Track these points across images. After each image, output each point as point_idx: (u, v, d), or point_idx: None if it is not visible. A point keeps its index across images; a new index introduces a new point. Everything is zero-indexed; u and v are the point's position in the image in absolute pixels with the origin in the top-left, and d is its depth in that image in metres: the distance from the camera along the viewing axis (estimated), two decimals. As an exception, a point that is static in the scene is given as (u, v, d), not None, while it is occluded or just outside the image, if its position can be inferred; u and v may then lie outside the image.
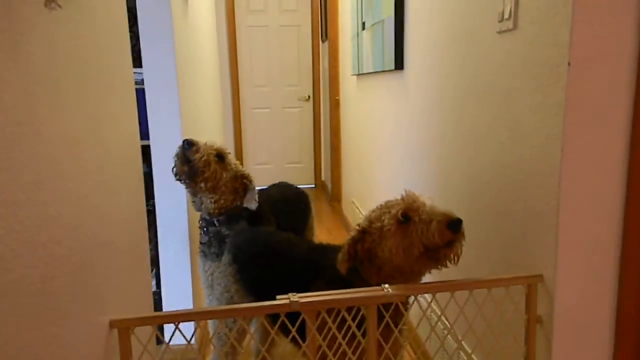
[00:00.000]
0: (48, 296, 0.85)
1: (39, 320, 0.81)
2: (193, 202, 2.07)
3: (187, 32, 2.47)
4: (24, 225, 0.77)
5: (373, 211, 1.36)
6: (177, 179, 1.97)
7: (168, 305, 2.26)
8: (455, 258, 1.27)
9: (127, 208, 1.31)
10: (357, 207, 3.92)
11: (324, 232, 4.27)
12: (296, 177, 5.92)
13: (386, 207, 1.32)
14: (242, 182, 2.04)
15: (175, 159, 1.93)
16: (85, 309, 1.01)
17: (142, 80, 2.14)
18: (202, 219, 2.06)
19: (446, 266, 1.28)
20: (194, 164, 1.90)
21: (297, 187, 2.56)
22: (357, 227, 1.37)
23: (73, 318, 0.95)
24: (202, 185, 1.93)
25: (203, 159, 1.90)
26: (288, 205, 2.39)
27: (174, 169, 1.94)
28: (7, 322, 0.72)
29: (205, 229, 2.04)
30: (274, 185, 2.55)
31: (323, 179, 6.08)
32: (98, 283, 1.08)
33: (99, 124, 1.12)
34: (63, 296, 0.91)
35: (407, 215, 1.27)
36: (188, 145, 1.89)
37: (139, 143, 1.43)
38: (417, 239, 1.23)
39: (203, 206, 2.02)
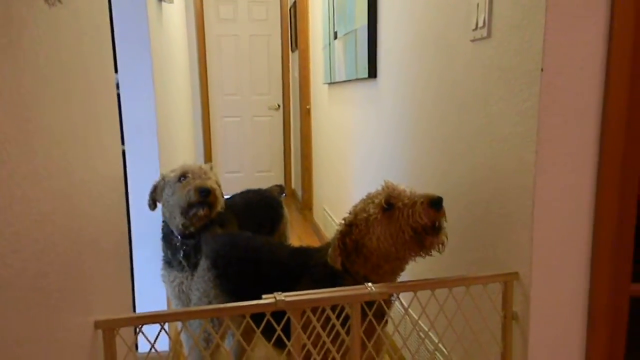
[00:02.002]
0: (39, 293, 0.84)
1: (30, 317, 0.81)
2: (167, 221, 2.04)
3: (161, 39, 2.47)
4: (20, 220, 0.77)
5: (356, 205, 1.40)
6: (187, 219, 1.96)
7: (142, 309, 2.23)
8: (441, 246, 1.31)
9: (110, 208, 1.30)
10: (329, 214, 3.95)
11: (295, 239, 4.27)
12: (266, 185, 5.89)
13: (369, 198, 1.37)
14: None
15: (189, 207, 1.92)
16: (73, 308, 1.00)
17: (117, 85, 2.13)
18: (167, 232, 2.05)
19: (430, 254, 1.33)
20: (213, 207, 1.95)
21: (267, 194, 2.56)
22: (343, 222, 1.40)
23: (61, 317, 0.94)
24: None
25: (219, 200, 1.97)
26: (250, 210, 2.41)
27: (193, 212, 1.93)
28: (4, 315, 0.71)
29: (170, 242, 2.03)
30: (245, 191, 2.57)
31: (293, 187, 6.09)
32: (85, 282, 1.08)
33: (85, 123, 1.12)
34: (53, 294, 0.90)
35: (390, 203, 1.32)
36: (207, 193, 1.91)
37: (120, 145, 1.43)
38: (405, 222, 1.28)
39: (180, 225, 1.98)
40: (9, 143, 0.74)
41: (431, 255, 1.34)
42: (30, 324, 0.81)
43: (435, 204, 1.29)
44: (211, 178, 1.98)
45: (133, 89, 2.12)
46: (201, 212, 1.92)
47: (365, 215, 1.35)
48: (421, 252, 1.33)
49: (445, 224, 1.33)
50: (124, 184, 1.44)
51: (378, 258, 1.35)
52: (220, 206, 1.99)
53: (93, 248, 1.13)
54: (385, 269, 1.35)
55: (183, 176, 1.94)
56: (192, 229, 1.98)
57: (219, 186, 2.02)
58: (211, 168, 2.05)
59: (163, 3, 2.53)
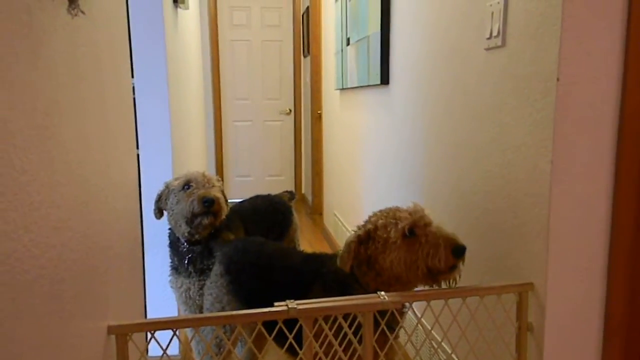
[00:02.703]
0: (55, 299, 0.85)
1: (46, 323, 0.81)
2: (173, 228, 2.05)
3: (177, 44, 2.48)
4: (39, 226, 0.78)
5: (379, 217, 1.38)
6: (194, 227, 1.96)
7: (153, 314, 2.24)
8: (454, 282, 1.31)
9: (124, 214, 1.31)
10: (340, 220, 3.95)
11: (305, 245, 4.27)
12: (276, 190, 5.88)
13: (393, 217, 1.35)
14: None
15: (193, 216, 1.92)
16: (87, 313, 1.01)
17: (133, 89, 2.15)
18: (174, 239, 2.05)
19: (440, 287, 1.33)
20: (217, 215, 1.95)
21: (276, 199, 2.56)
22: (363, 228, 1.39)
23: (75, 322, 0.95)
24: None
25: (223, 208, 1.96)
26: (257, 215, 2.41)
27: (198, 222, 1.93)
28: (20, 322, 0.72)
29: (177, 249, 2.04)
30: (254, 197, 2.57)
31: (303, 191, 6.10)
32: (99, 288, 1.08)
33: (102, 129, 1.12)
34: (68, 300, 0.91)
35: (413, 231, 1.31)
36: (210, 203, 1.91)
37: (135, 150, 1.44)
38: (422, 260, 1.28)
39: (186, 233, 1.98)
40: (29, 150, 0.75)
41: (441, 287, 1.34)
42: (46, 330, 0.81)
43: (458, 252, 1.28)
44: (215, 186, 1.98)
45: (148, 94, 2.13)
46: (205, 221, 1.92)
47: (385, 235, 1.33)
48: (432, 285, 1.33)
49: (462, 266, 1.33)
50: (138, 189, 1.45)
51: (389, 278, 1.35)
52: (224, 214, 1.99)
53: (107, 254, 1.14)
54: (396, 288, 1.34)
55: (187, 185, 1.94)
56: (197, 237, 1.99)
57: (223, 193, 2.03)
58: (218, 180, 2.06)
59: (179, 9, 2.55)
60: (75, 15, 0.86)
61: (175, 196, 1.94)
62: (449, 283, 1.33)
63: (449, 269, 1.29)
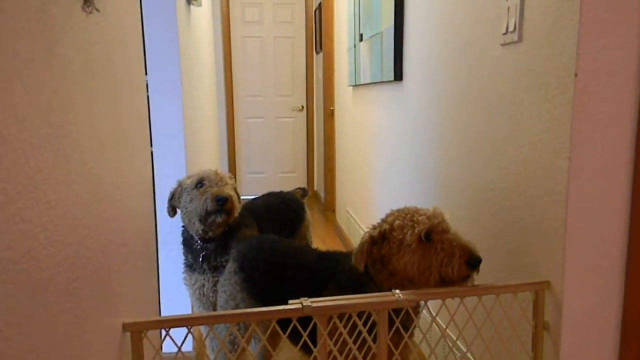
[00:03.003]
0: (71, 297, 0.85)
1: (62, 321, 0.82)
2: (186, 226, 2.04)
3: (190, 41, 2.49)
4: (55, 225, 0.78)
5: (396, 217, 1.36)
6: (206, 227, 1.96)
7: (168, 312, 2.25)
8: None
9: (138, 211, 1.32)
10: (352, 217, 3.94)
11: (317, 242, 4.27)
12: (289, 186, 5.87)
13: (410, 219, 1.33)
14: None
15: (207, 214, 1.92)
16: (102, 311, 1.01)
17: (146, 86, 2.16)
18: (187, 237, 2.06)
19: None
20: (231, 213, 1.95)
21: (288, 196, 2.56)
22: (377, 228, 1.38)
23: (91, 320, 0.95)
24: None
25: (236, 206, 1.96)
26: (270, 212, 2.41)
27: (212, 220, 1.93)
28: (37, 320, 0.72)
29: (191, 246, 2.05)
30: (266, 194, 2.57)
31: (316, 188, 6.10)
32: (113, 285, 1.09)
33: (116, 127, 1.13)
34: (84, 297, 0.91)
35: (429, 236, 1.29)
36: (224, 201, 1.91)
37: (149, 148, 1.44)
38: (436, 267, 1.27)
39: (200, 231, 1.98)
40: (44, 149, 0.75)
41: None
42: (62, 327, 0.81)
43: (472, 264, 1.26)
44: (228, 184, 1.98)
45: (162, 91, 2.14)
46: (219, 219, 1.92)
47: (400, 237, 1.32)
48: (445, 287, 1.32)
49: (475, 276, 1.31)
50: (152, 186, 1.45)
51: (402, 278, 1.34)
52: (237, 212, 1.99)
53: (122, 251, 1.14)
54: (409, 288, 1.33)
55: (200, 183, 1.94)
56: (211, 234, 1.99)
57: (236, 191, 2.03)
58: (231, 177, 2.05)
59: (192, 6, 2.55)
60: (90, 12, 0.86)
61: (189, 194, 1.94)
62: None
63: (462, 279, 1.28)
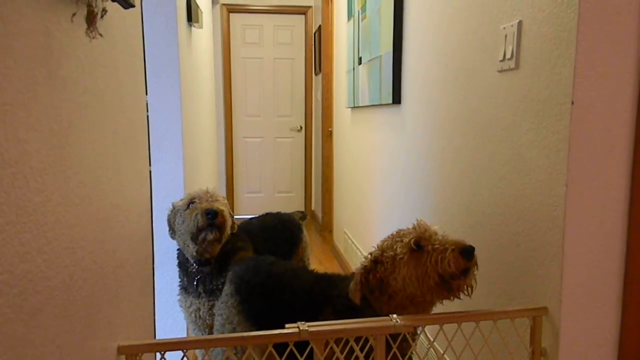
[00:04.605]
0: (66, 320, 0.85)
1: (57, 345, 0.81)
2: (181, 249, 2.04)
3: (190, 61, 2.51)
4: (53, 247, 0.78)
5: (384, 240, 1.38)
6: (198, 244, 1.95)
7: (163, 334, 2.23)
8: (469, 289, 1.29)
9: (136, 233, 1.31)
10: (350, 238, 3.93)
11: (315, 262, 4.26)
12: (286, 207, 5.93)
13: (398, 235, 1.34)
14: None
15: (198, 231, 1.91)
16: (97, 333, 1.01)
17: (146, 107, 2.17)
18: (183, 259, 2.04)
19: (459, 297, 1.30)
20: (222, 229, 1.93)
21: (286, 217, 2.55)
22: (368, 257, 1.38)
23: (86, 343, 0.95)
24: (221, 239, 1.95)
25: (228, 221, 1.94)
26: (266, 233, 2.40)
27: (203, 237, 1.91)
28: (32, 343, 0.72)
29: (186, 269, 2.03)
30: (264, 214, 2.57)
31: (313, 208, 6.09)
32: (109, 307, 1.08)
33: (117, 149, 1.13)
34: (80, 320, 0.91)
35: (419, 244, 1.29)
36: (214, 215, 1.89)
37: (148, 168, 1.44)
38: (432, 268, 1.25)
39: (195, 252, 1.96)
40: (44, 171, 0.75)
41: (459, 298, 1.31)
42: (58, 351, 0.81)
43: (466, 253, 1.25)
44: (219, 200, 1.96)
45: (161, 110, 2.15)
46: (210, 236, 1.90)
47: (392, 253, 1.32)
48: (449, 296, 1.30)
49: (476, 271, 1.30)
50: (150, 207, 1.45)
51: (403, 299, 1.33)
52: (229, 228, 1.96)
53: (118, 273, 1.14)
54: (410, 310, 1.32)
55: (191, 202, 1.94)
56: (207, 256, 1.97)
57: (228, 208, 2.01)
58: (223, 198, 2.03)
59: (193, 28, 2.58)
60: (94, 37, 0.87)
61: (181, 216, 1.94)
62: (467, 291, 1.30)
63: (462, 272, 1.26)
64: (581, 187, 1.22)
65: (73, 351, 0.87)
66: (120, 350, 1.13)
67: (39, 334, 0.74)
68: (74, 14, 0.85)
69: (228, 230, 1.95)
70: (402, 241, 1.31)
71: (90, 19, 0.83)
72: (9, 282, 0.65)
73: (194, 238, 1.91)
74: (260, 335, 1.19)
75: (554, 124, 1.26)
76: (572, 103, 1.19)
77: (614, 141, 1.22)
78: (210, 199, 1.95)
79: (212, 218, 1.89)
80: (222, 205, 1.94)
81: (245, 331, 1.65)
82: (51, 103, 0.78)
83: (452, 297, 1.30)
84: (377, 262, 1.36)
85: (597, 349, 1.27)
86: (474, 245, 1.27)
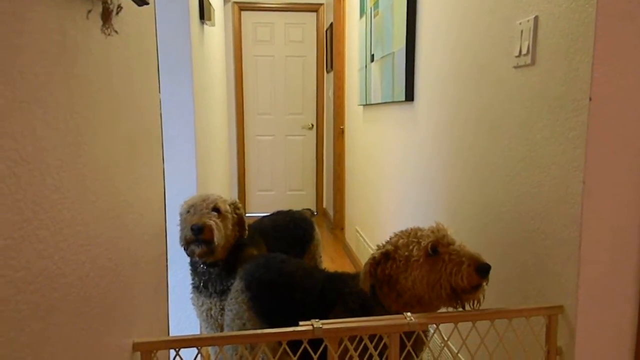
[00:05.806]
0: (82, 316, 0.85)
1: (73, 341, 0.81)
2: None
3: (202, 59, 2.51)
4: (69, 244, 0.78)
5: (399, 237, 1.36)
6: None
7: (177, 331, 2.24)
8: (477, 304, 1.29)
9: (150, 230, 1.32)
10: (362, 235, 3.93)
11: (327, 260, 4.24)
12: (298, 204, 5.93)
13: (415, 236, 1.33)
14: (237, 215, 2.03)
15: (189, 245, 1.90)
16: (113, 330, 1.01)
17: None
18: (194, 260, 2.03)
19: (464, 308, 1.30)
20: (210, 243, 1.88)
21: (297, 215, 2.55)
22: (380, 249, 1.37)
23: (102, 339, 0.95)
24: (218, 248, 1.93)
25: (216, 236, 1.88)
26: (278, 231, 2.39)
27: (191, 250, 1.91)
28: (49, 340, 0.72)
29: (196, 269, 2.04)
30: (275, 212, 2.56)
31: (325, 206, 6.09)
32: (125, 304, 1.09)
33: (131, 146, 1.13)
34: (95, 317, 0.91)
35: (436, 249, 1.29)
36: (199, 231, 1.85)
37: (162, 166, 1.45)
38: (446, 278, 1.25)
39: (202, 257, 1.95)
40: (61, 168, 0.75)
41: (464, 309, 1.31)
42: (73, 347, 0.81)
43: (482, 271, 1.25)
44: (210, 213, 1.90)
45: (174, 108, 2.15)
46: (197, 250, 1.87)
47: (407, 254, 1.31)
48: (455, 306, 1.30)
49: (485, 286, 1.30)
50: (164, 205, 1.46)
51: (410, 298, 1.33)
52: (221, 241, 1.90)
53: (134, 270, 1.14)
54: (417, 309, 1.32)
55: (189, 210, 1.93)
56: (208, 261, 1.96)
57: (239, 214, 1.98)
58: (237, 206, 1.99)
59: (205, 25, 2.58)
60: (109, 34, 0.87)
61: (182, 222, 1.94)
62: (473, 304, 1.30)
63: (473, 288, 1.26)
64: (599, 184, 1.20)
65: (89, 348, 0.88)
66: (136, 347, 1.14)
67: (55, 331, 0.74)
68: (89, 11, 0.85)
69: (218, 242, 1.89)
70: (419, 243, 1.30)
71: (106, 16, 0.83)
72: (27, 279, 0.65)
73: (185, 250, 1.91)
74: (274, 333, 1.19)
75: (570, 120, 1.24)
76: (590, 99, 1.18)
77: (632, 138, 1.20)
78: (205, 209, 1.90)
79: (197, 233, 1.85)
80: (211, 219, 1.88)
81: (255, 328, 1.65)
82: (67, 100, 0.78)
83: (457, 307, 1.30)
84: (387, 256, 1.35)
85: (613, 348, 1.25)
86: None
